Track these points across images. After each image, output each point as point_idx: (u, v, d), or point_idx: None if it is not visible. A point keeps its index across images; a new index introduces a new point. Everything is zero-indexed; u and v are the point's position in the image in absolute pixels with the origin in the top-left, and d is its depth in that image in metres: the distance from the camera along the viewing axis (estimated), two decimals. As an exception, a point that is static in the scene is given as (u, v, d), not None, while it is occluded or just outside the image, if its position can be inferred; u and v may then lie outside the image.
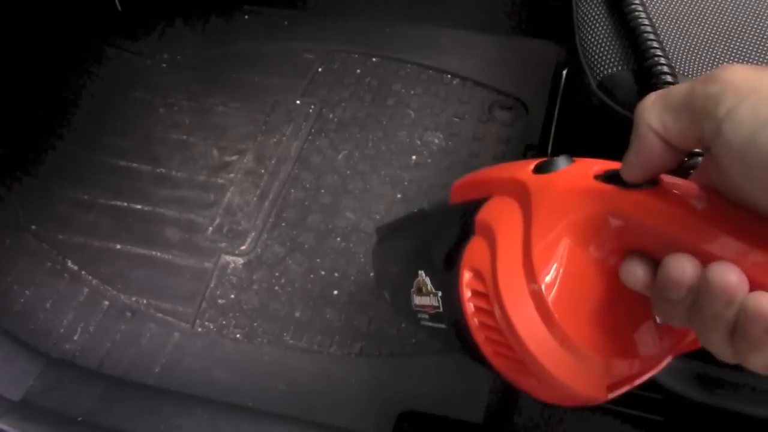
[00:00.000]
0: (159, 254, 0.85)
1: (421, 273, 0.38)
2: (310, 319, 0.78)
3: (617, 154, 0.27)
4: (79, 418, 0.69)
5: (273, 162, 0.93)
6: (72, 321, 0.79)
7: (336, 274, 0.81)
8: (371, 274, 0.81)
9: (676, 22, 0.51)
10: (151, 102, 1.01)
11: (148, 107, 1.01)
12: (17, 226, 0.88)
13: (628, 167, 0.26)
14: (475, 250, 0.32)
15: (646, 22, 0.49)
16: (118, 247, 0.86)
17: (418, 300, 0.38)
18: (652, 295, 0.26)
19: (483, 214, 0.33)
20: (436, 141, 0.94)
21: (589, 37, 0.53)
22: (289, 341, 0.77)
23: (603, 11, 0.55)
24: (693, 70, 0.48)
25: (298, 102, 1.00)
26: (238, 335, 0.77)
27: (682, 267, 0.23)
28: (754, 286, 0.22)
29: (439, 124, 0.95)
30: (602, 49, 0.51)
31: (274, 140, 0.95)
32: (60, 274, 0.84)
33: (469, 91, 0.99)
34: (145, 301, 0.81)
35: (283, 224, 0.87)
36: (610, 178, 0.27)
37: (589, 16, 0.55)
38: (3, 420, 0.67)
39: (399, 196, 0.88)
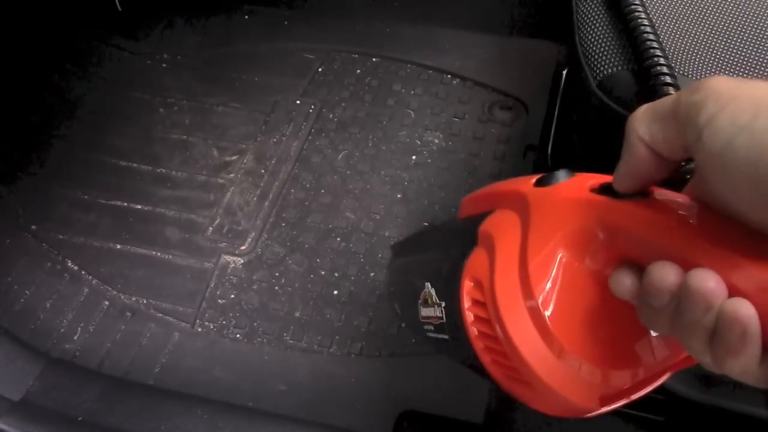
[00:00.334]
0: (159, 254, 0.85)
1: (428, 285, 0.39)
2: (310, 319, 0.78)
3: (617, 154, 0.27)
4: (79, 418, 0.69)
5: (273, 162, 0.93)
6: (72, 321, 0.79)
7: (336, 274, 0.81)
8: (371, 274, 0.81)
9: (676, 22, 0.51)
10: (151, 102, 1.01)
11: (148, 107, 1.01)
12: (17, 226, 0.88)
13: (620, 177, 0.27)
14: (476, 260, 0.33)
15: (646, 22, 0.49)
16: (118, 247, 0.86)
17: (424, 312, 0.39)
18: (637, 302, 0.26)
19: (485, 226, 0.34)
20: (436, 141, 0.94)
21: (589, 37, 0.53)
22: (289, 341, 0.77)
23: (603, 11, 0.55)
24: (693, 71, 0.48)
25: (298, 102, 1.00)
26: (238, 335, 0.77)
27: (665, 274, 0.24)
28: (733, 292, 0.22)
29: (439, 124, 0.95)
30: (602, 49, 0.51)
31: (274, 140, 0.95)
32: (60, 274, 0.84)
33: (469, 91, 0.99)
34: (145, 301, 0.81)
35: (283, 224, 0.87)
36: (604, 190, 0.28)
37: (589, 16, 0.55)
38: (3, 420, 0.67)
39: (399, 196, 0.88)
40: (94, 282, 0.83)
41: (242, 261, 0.83)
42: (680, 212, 0.25)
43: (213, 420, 0.68)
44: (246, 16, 1.12)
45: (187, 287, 0.82)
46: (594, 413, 0.30)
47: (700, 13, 0.51)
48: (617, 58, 0.50)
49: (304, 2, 1.13)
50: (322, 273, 0.82)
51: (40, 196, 0.91)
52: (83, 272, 0.84)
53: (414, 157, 0.92)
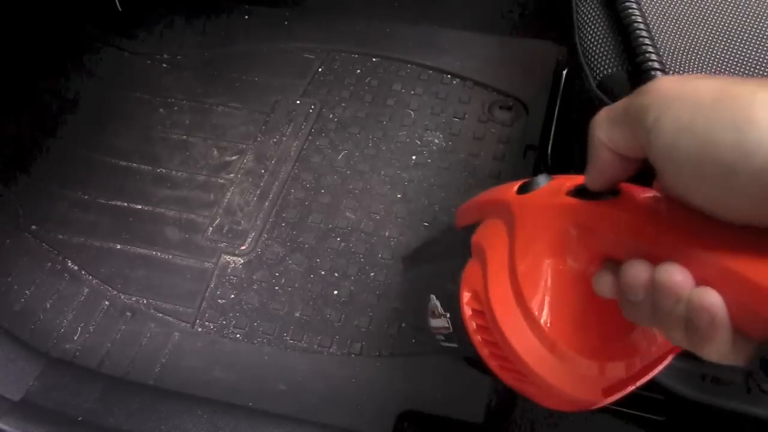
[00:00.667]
0: (159, 254, 0.85)
1: (432, 297, 0.40)
2: (310, 319, 0.78)
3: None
4: (79, 418, 0.69)
5: (273, 162, 0.93)
6: (72, 321, 0.79)
7: (336, 274, 0.81)
8: (371, 274, 0.81)
9: (675, 22, 0.51)
10: (151, 102, 1.01)
11: (148, 107, 1.01)
12: (17, 226, 0.88)
13: (590, 179, 0.28)
14: (471, 271, 0.35)
15: (639, 20, 0.49)
16: (118, 247, 0.86)
17: (433, 323, 0.40)
18: (618, 299, 0.27)
19: (476, 237, 0.36)
20: (436, 141, 0.94)
21: (589, 37, 0.53)
22: (289, 341, 0.77)
23: (603, 11, 0.54)
24: (693, 70, 0.48)
25: (298, 102, 1.00)
26: (238, 335, 0.77)
27: (637, 271, 0.25)
28: (701, 282, 0.23)
29: (439, 124, 0.95)
30: (602, 49, 0.51)
31: (274, 140, 0.95)
32: (60, 274, 0.84)
33: (469, 91, 0.99)
34: (145, 301, 0.81)
35: (283, 224, 0.87)
36: (579, 192, 0.29)
37: (589, 16, 0.55)
38: (3, 420, 0.67)
39: (399, 196, 0.88)
40: (94, 282, 0.83)
41: (242, 261, 0.83)
42: (647, 209, 0.26)
43: (213, 420, 0.68)
44: (246, 16, 1.12)
45: (187, 287, 0.82)
46: (600, 404, 0.32)
47: (700, 13, 0.51)
48: (617, 58, 0.50)
49: (304, 2, 1.13)
50: (322, 273, 0.82)
51: (40, 196, 0.91)
52: (83, 272, 0.84)
53: (414, 157, 0.92)
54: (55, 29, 1.07)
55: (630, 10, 0.50)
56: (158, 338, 0.78)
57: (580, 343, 0.30)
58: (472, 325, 0.34)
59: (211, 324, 0.79)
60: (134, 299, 0.81)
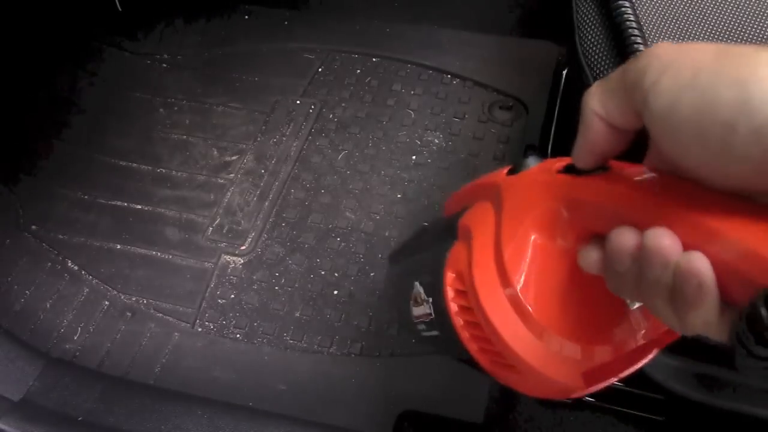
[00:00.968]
0: (159, 254, 0.85)
1: (416, 284, 0.39)
2: (310, 319, 0.78)
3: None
4: (79, 418, 0.69)
5: (273, 162, 0.93)
6: (72, 321, 0.79)
7: (336, 274, 0.81)
8: (371, 274, 0.81)
9: (675, 22, 0.51)
10: (151, 102, 1.01)
11: (148, 107, 1.01)
12: (17, 226, 0.88)
13: (579, 154, 0.28)
14: (456, 252, 0.34)
15: (632, 17, 0.49)
16: (118, 247, 0.86)
17: (416, 311, 0.40)
18: (604, 272, 0.27)
19: (464, 219, 0.35)
20: (436, 141, 0.94)
21: (589, 37, 0.53)
22: (289, 341, 0.77)
23: (603, 11, 0.55)
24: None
25: (298, 102, 1.00)
26: (238, 335, 0.77)
27: (624, 237, 0.25)
28: (689, 248, 0.23)
29: (439, 124, 0.95)
30: (602, 49, 0.51)
31: (274, 140, 0.95)
32: (60, 274, 0.84)
33: (469, 91, 0.99)
34: (145, 301, 0.81)
35: (283, 224, 0.87)
36: (568, 169, 0.29)
37: (589, 16, 0.55)
38: (3, 420, 0.67)
39: (399, 196, 0.88)
40: (94, 282, 0.83)
41: (242, 261, 0.83)
42: (638, 181, 0.26)
43: (213, 420, 0.68)
44: (246, 16, 1.12)
45: (187, 287, 0.82)
46: (581, 393, 0.31)
47: (700, 13, 0.51)
48: (617, 58, 0.50)
49: (304, 2, 1.13)
50: (322, 273, 0.82)
51: (40, 196, 0.91)
52: (83, 272, 0.84)
53: (414, 157, 0.92)
54: (55, 29, 1.07)
55: (623, 9, 0.50)
56: (158, 338, 0.78)
57: (564, 324, 0.30)
58: (454, 307, 0.33)
59: (211, 324, 0.79)
60: (134, 299, 0.81)
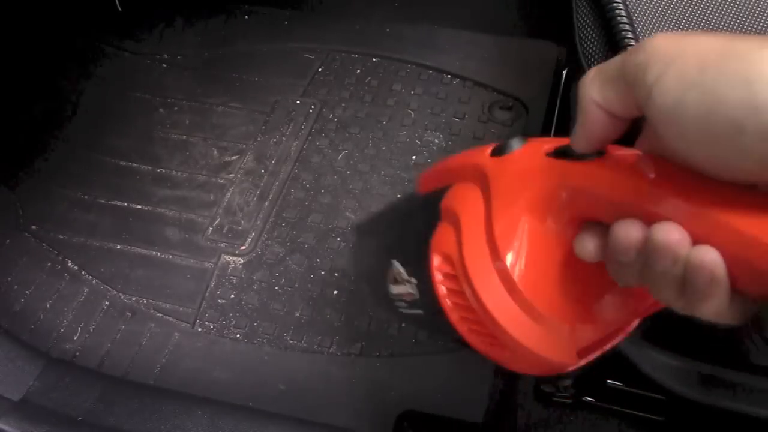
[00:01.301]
0: (159, 254, 0.85)
1: (394, 263, 0.39)
2: (310, 319, 0.78)
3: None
4: (79, 418, 0.69)
5: (273, 162, 0.93)
6: (72, 321, 0.79)
7: (336, 274, 0.81)
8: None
9: (675, 22, 0.51)
10: (151, 102, 1.01)
11: (148, 107, 1.01)
12: (17, 226, 0.88)
13: (576, 139, 0.27)
14: (441, 235, 0.34)
15: (623, 14, 0.49)
16: (118, 247, 0.86)
17: (394, 290, 0.39)
18: (605, 260, 0.27)
19: (447, 201, 0.35)
20: (436, 141, 0.94)
21: (589, 37, 0.53)
22: (289, 341, 0.77)
23: (603, 11, 0.55)
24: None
25: (298, 102, 1.00)
26: (238, 335, 0.77)
27: (629, 232, 0.24)
28: (697, 241, 0.23)
29: (439, 124, 0.95)
30: (602, 49, 0.51)
31: (274, 140, 0.95)
32: (60, 274, 0.84)
33: (469, 91, 0.99)
34: (145, 301, 0.81)
35: (283, 224, 0.87)
36: (560, 153, 0.29)
37: (589, 16, 0.55)
38: (3, 420, 0.67)
39: (399, 196, 0.88)
40: (94, 282, 0.83)
41: (242, 261, 0.83)
42: (637, 168, 0.25)
43: (213, 420, 0.68)
44: (246, 16, 1.12)
45: (187, 287, 0.82)
46: (572, 367, 0.31)
47: (700, 13, 0.51)
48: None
49: (305, 2, 1.13)
50: (322, 273, 0.82)
51: (40, 196, 0.91)
52: (83, 272, 0.84)
53: (414, 157, 0.92)
54: (55, 29, 1.07)
55: (614, 4, 0.50)
56: (158, 338, 0.78)
57: (554, 304, 0.30)
58: (442, 290, 0.33)
59: (211, 324, 0.79)
60: (134, 299, 0.81)
